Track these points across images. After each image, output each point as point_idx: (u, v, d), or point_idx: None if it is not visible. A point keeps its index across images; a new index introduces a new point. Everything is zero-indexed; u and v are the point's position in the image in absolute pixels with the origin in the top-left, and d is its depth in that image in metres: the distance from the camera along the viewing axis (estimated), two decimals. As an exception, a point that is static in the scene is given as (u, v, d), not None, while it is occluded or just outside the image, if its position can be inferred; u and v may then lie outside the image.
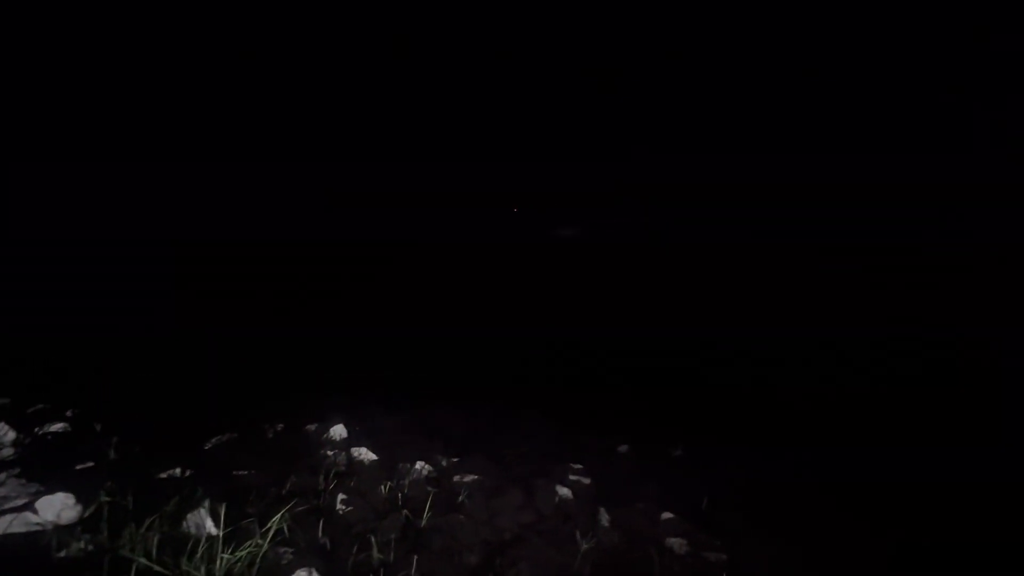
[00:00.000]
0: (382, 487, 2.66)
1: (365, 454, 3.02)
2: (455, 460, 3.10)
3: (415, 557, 2.14)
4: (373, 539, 2.21)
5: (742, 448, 3.60)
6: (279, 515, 2.15)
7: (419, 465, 2.93)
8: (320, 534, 2.24)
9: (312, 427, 3.35)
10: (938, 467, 3.28)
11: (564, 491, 2.86)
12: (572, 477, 3.05)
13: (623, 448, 3.56)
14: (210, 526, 2.15)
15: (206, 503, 2.22)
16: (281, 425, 3.37)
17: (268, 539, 2.08)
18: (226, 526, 2.11)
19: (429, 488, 2.71)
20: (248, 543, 2.02)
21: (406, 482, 2.75)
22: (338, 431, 3.29)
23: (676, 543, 2.45)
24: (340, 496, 2.56)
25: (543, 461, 3.20)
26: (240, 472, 2.71)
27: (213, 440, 3.12)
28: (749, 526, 2.58)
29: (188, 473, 2.64)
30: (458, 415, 3.84)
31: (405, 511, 2.47)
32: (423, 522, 2.42)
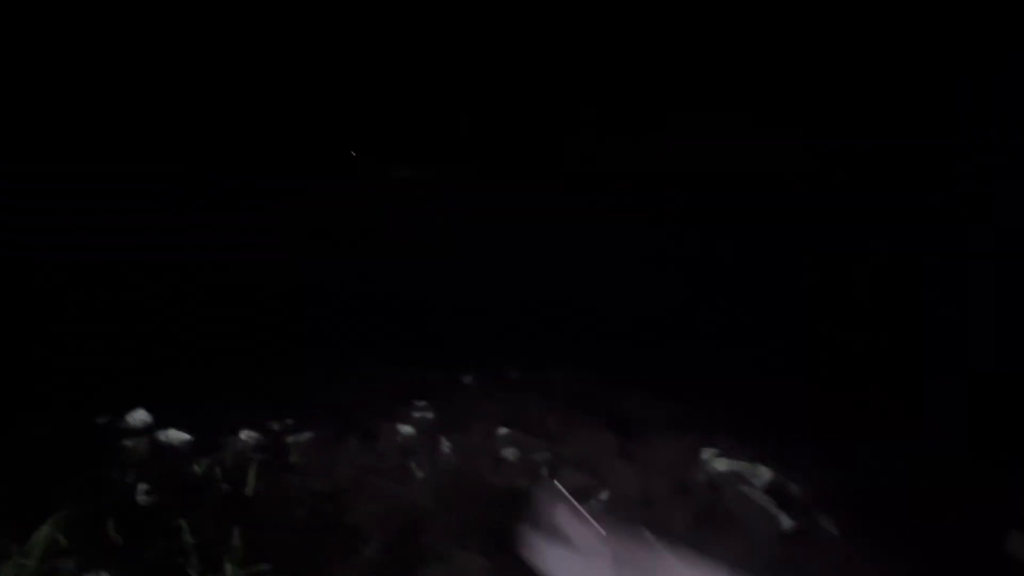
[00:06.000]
0: (195, 466, 2.40)
1: (174, 435, 2.67)
2: (289, 422, 2.92)
3: (236, 528, 2.00)
4: (184, 523, 2.00)
5: (569, 365, 3.93)
6: (46, 524, 1.81)
7: (243, 435, 2.70)
8: (113, 533, 1.95)
9: (103, 420, 2.84)
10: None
11: (406, 429, 2.91)
12: (416, 415, 3.11)
13: (467, 379, 3.71)
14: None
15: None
16: (47, 429, 2.78)
17: (36, 556, 1.74)
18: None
19: (255, 456, 2.52)
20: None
21: (227, 455, 2.52)
22: (139, 416, 2.85)
23: (510, 452, 2.68)
24: (141, 487, 2.25)
25: (385, 404, 3.19)
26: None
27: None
28: (568, 427, 2.93)
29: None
30: (289, 375, 3.59)
31: (225, 485, 2.28)
32: (249, 491, 2.27)
